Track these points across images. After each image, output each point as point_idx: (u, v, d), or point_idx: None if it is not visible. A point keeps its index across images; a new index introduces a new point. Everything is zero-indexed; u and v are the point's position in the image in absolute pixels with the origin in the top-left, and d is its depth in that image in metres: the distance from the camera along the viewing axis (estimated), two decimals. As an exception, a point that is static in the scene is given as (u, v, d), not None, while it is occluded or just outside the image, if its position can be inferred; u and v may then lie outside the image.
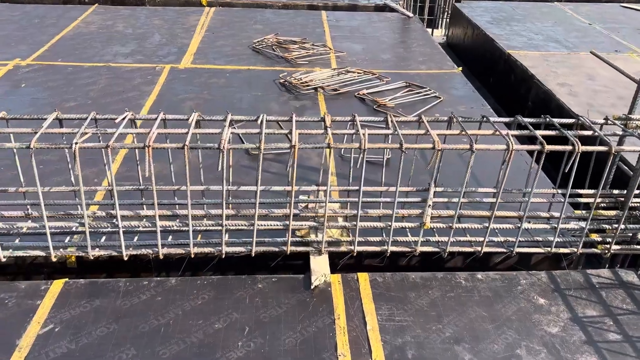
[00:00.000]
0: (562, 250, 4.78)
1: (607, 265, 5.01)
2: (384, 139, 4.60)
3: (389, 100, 8.56)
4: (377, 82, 9.29)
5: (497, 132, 4.43)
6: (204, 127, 4.89)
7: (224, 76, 9.35)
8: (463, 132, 4.44)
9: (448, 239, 4.64)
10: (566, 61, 9.93)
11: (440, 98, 8.82)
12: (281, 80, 9.13)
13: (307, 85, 8.85)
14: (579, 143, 4.22)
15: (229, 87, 8.92)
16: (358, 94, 8.84)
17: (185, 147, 4.06)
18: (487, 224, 4.63)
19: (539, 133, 4.47)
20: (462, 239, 4.74)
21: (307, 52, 10.42)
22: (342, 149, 7.06)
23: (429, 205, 4.46)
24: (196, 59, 10.06)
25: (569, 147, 4.29)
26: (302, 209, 4.76)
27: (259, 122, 4.54)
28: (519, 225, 4.63)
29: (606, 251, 4.75)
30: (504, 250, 4.77)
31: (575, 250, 4.77)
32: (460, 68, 10.12)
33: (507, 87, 10.22)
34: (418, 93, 8.91)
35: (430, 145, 4.24)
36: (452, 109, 8.64)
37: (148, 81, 8.96)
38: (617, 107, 8.03)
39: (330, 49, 10.74)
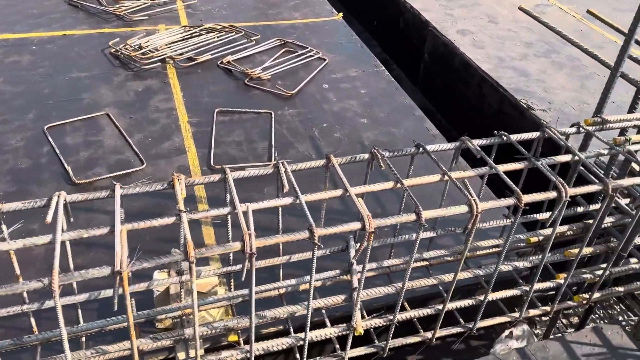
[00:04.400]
0: (533, 312, 3.52)
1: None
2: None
3: (263, 71, 6.62)
4: (243, 42, 7.23)
5: (447, 177, 2.87)
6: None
7: (28, 50, 6.68)
8: (399, 186, 2.81)
9: (388, 336, 3.14)
10: (459, -2, 8.56)
11: (325, 60, 7.05)
12: (113, 50, 6.71)
13: (151, 57, 6.56)
14: (567, 188, 2.81)
15: (37, 67, 6.35)
16: (222, 62, 6.76)
17: None
18: (439, 306, 3.18)
19: (503, 169, 2.99)
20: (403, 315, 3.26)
21: (145, 3, 7.92)
22: (211, 156, 5.14)
23: (359, 306, 2.87)
24: (-15, 24, 7.16)
25: (552, 194, 2.87)
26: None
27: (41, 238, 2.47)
28: (482, 299, 3.24)
29: (584, 302, 3.58)
30: (462, 330, 3.40)
31: (548, 309, 3.53)
32: (341, 14, 8.33)
33: (396, 33, 8.68)
34: (298, 55, 7.05)
35: (358, 226, 2.57)
36: (342, 74, 6.95)
37: None
38: (529, 60, 6.88)
39: (176, -5, 8.31)
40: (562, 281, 3.38)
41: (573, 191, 2.87)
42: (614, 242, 3.66)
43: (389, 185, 2.83)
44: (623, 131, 3.80)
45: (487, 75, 6.45)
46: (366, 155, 3.03)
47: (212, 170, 5.02)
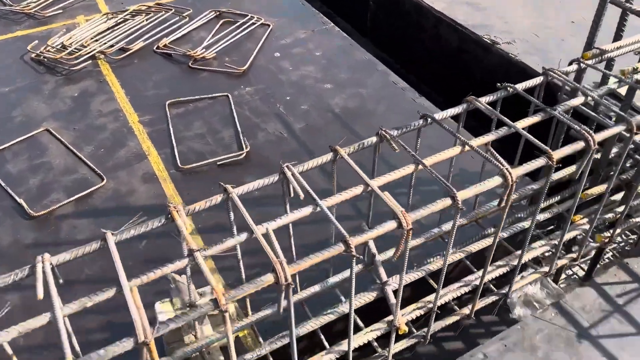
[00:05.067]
0: (561, 262, 3.40)
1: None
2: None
3: (206, 50, 6.06)
4: (176, 21, 6.60)
5: (469, 147, 2.61)
6: None
7: None
8: (420, 168, 2.53)
9: (429, 323, 2.93)
10: None
11: (269, 25, 6.55)
12: (34, 55, 5.96)
13: (78, 56, 5.86)
14: (594, 137, 2.61)
15: (-50, 89, 5.56)
16: (158, 47, 6.15)
17: None
18: (476, 281, 3.00)
19: (520, 125, 2.76)
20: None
21: (55, -5, 7.06)
22: (176, 156, 4.67)
23: (399, 306, 2.62)
24: None
25: (579, 146, 2.67)
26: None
27: None
28: (515, 264, 3.08)
29: (606, 240, 3.49)
30: (497, 298, 3.24)
31: (575, 256, 3.42)
32: (275, -28, 7.74)
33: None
34: (239, 25, 6.50)
35: (394, 225, 2.28)
36: (291, 39, 6.48)
37: None
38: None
39: (87, -21, 7.45)
40: (587, 227, 3.26)
41: (600, 136, 2.68)
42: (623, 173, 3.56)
43: (410, 169, 2.54)
44: (610, 61, 3.64)
45: (443, 15, 6.16)
46: (374, 139, 2.72)
47: (181, 173, 4.57)
